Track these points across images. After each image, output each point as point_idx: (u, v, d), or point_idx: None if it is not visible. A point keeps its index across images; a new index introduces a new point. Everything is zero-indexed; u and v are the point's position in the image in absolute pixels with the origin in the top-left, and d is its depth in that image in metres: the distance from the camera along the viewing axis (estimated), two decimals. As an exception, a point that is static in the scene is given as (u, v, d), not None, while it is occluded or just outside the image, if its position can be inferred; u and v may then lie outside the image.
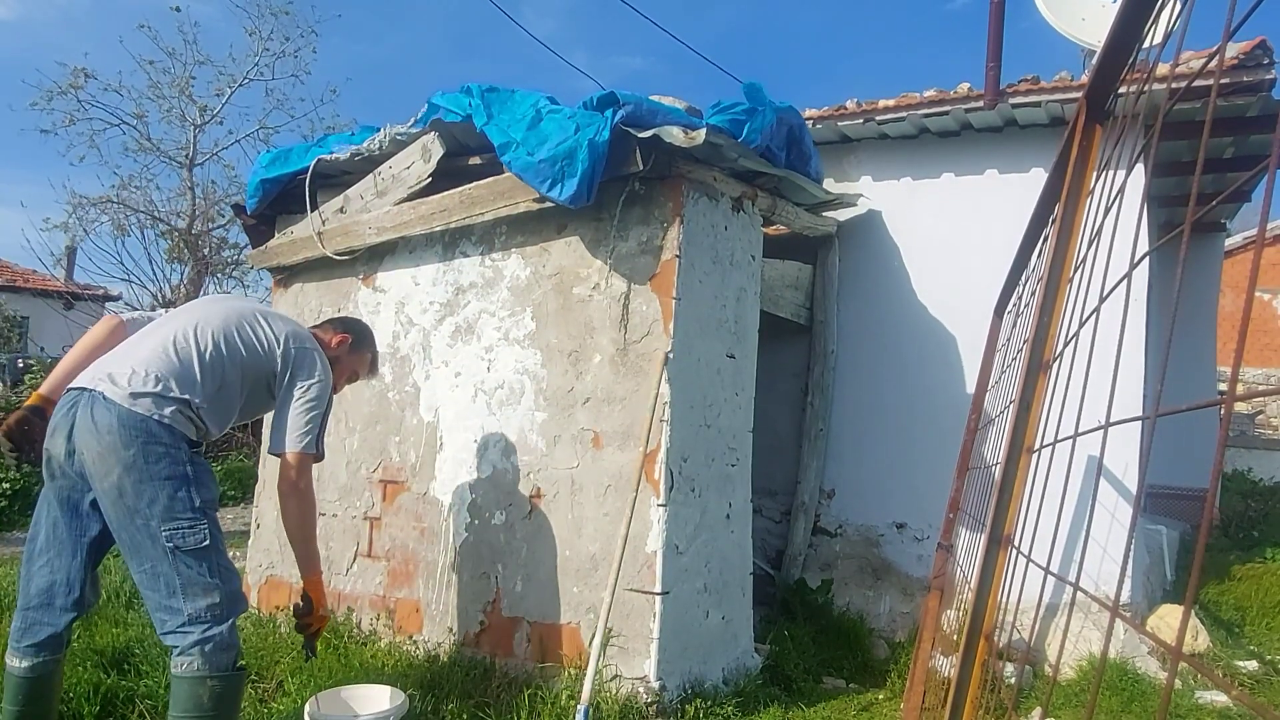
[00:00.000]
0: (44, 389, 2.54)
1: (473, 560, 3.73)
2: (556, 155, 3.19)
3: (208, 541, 2.32)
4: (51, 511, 2.44)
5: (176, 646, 2.28)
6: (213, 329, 2.54)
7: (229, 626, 2.33)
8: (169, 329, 2.52)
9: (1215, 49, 0.86)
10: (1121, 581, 1.02)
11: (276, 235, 4.70)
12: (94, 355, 2.54)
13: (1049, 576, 1.21)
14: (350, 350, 3.00)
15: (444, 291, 4.03)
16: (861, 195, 5.09)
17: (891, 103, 4.96)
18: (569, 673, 3.27)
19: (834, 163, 5.28)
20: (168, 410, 2.34)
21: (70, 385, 2.41)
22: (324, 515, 4.28)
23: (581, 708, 2.80)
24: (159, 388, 2.35)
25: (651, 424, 3.26)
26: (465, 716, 3.09)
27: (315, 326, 3.01)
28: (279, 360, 2.60)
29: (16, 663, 2.41)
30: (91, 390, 2.32)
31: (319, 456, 2.62)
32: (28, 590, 2.44)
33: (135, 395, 2.31)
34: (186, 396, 2.39)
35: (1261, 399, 12.01)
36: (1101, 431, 0.98)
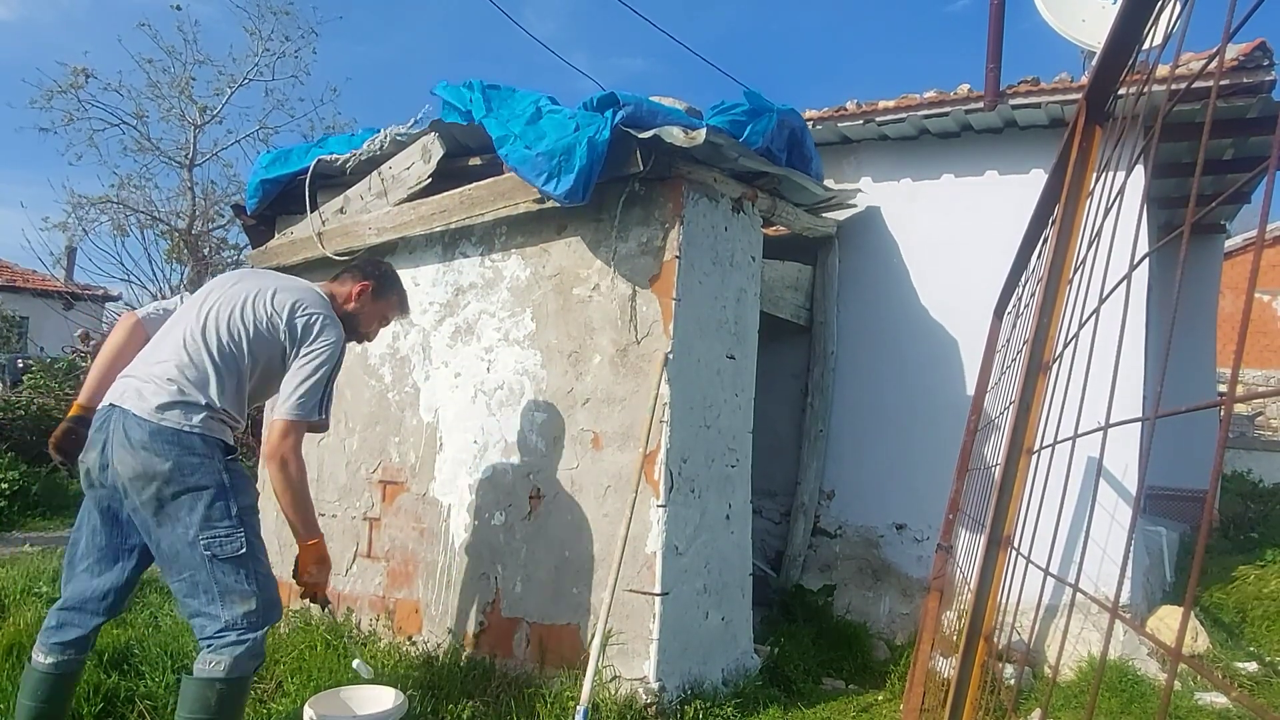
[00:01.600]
0: (82, 398, 2.60)
1: (472, 561, 3.73)
2: (554, 150, 3.18)
3: (244, 549, 2.36)
4: (91, 519, 2.48)
5: (210, 644, 2.32)
6: (219, 322, 2.52)
7: (263, 635, 2.37)
8: (180, 330, 2.53)
9: (1215, 50, 0.86)
10: (1121, 583, 1.02)
11: (276, 236, 4.70)
12: (120, 359, 2.59)
13: (1048, 577, 1.21)
14: (374, 297, 2.91)
15: (444, 292, 4.03)
16: (860, 190, 5.09)
17: (891, 104, 4.96)
18: (568, 673, 3.27)
19: (834, 164, 5.28)
20: (197, 419, 2.37)
21: (103, 401, 2.46)
22: (323, 516, 4.28)
23: (581, 708, 2.80)
24: (183, 397, 2.37)
25: (651, 425, 3.26)
26: (464, 717, 3.09)
27: (334, 280, 2.94)
28: (285, 336, 2.56)
29: (42, 658, 2.44)
30: (122, 408, 2.36)
31: (321, 425, 2.59)
32: (65, 590, 2.49)
33: (162, 408, 2.34)
34: (209, 400, 2.42)
35: (1261, 400, 12.02)
36: (1101, 433, 0.98)
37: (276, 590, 2.48)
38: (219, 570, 2.32)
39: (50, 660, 2.43)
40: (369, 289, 2.89)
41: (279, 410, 2.50)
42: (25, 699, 2.43)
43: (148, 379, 2.40)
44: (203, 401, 2.40)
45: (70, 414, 2.61)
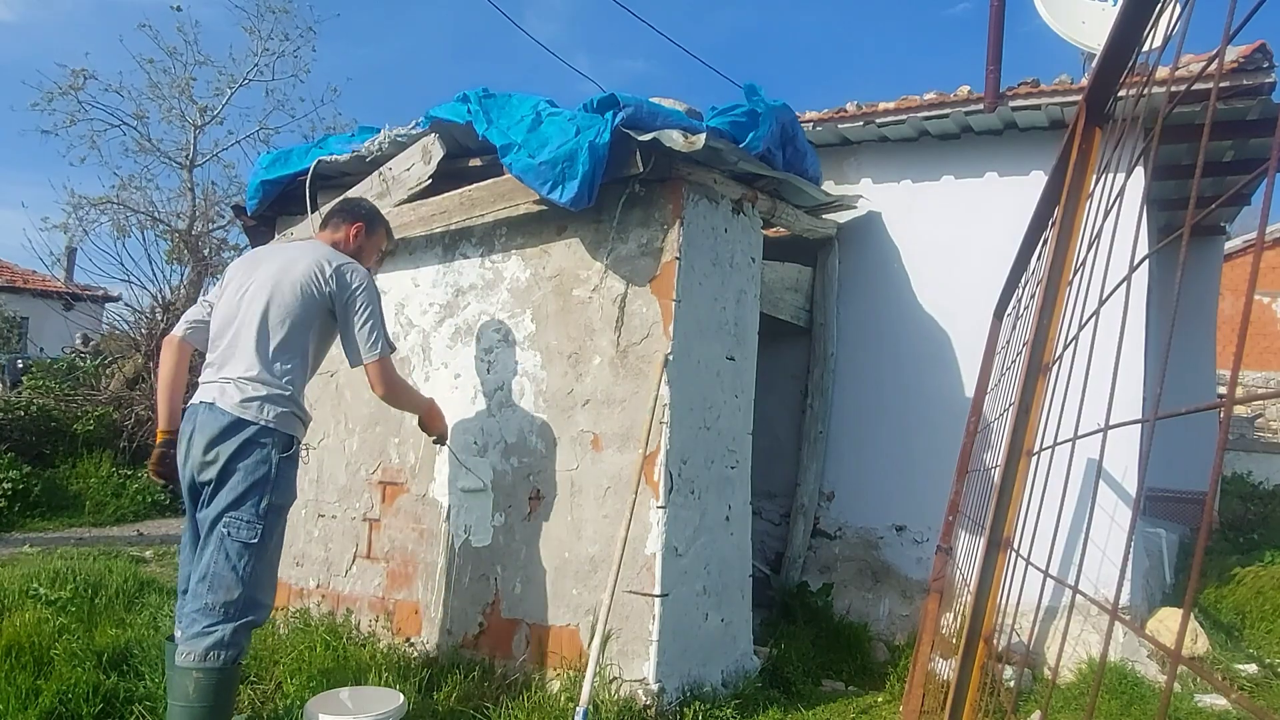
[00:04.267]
0: (162, 424, 2.87)
1: (472, 562, 3.72)
2: (557, 158, 3.19)
3: (256, 540, 2.57)
4: (189, 508, 2.75)
5: (186, 633, 2.53)
6: (268, 313, 2.73)
7: (236, 627, 2.52)
8: (238, 329, 2.75)
9: (1215, 52, 0.86)
10: (1121, 584, 1.02)
11: (277, 236, 4.69)
12: (178, 377, 2.88)
13: (1048, 579, 1.21)
14: (367, 235, 3.14)
15: (444, 293, 4.03)
16: (861, 197, 5.09)
17: (891, 105, 4.96)
18: (568, 675, 3.27)
19: (834, 165, 5.28)
20: (271, 414, 2.65)
21: (190, 403, 2.74)
22: (323, 516, 4.28)
23: (580, 710, 2.80)
24: (260, 392, 2.65)
25: (651, 426, 3.26)
26: (464, 719, 3.08)
27: (324, 229, 3.14)
28: (327, 296, 2.79)
29: (178, 633, 2.72)
30: (208, 403, 2.66)
31: (393, 348, 2.94)
32: (180, 574, 2.81)
33: (243, 403, 2.62)
34: (285, 393, 2.69)
35: (1261, 402, 12.02)
36: (1101, 434, 0.98)
37: (267, 595, 2.67)
38: (225, 551, 2.54)
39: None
40: (362, 228, 3.11)
41: (365, 357, 2.81)
42: (169, 669, 2.71)
43: (229, 380, 2.67)
44: (282, 394, 2.68)
45: (159, 440, 2.86)
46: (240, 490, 2.57)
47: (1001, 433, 2.04)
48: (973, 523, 3.08)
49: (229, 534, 2.55)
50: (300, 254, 2.87)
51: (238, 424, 2.60)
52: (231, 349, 2.72)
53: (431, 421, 3.28)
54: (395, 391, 2.95)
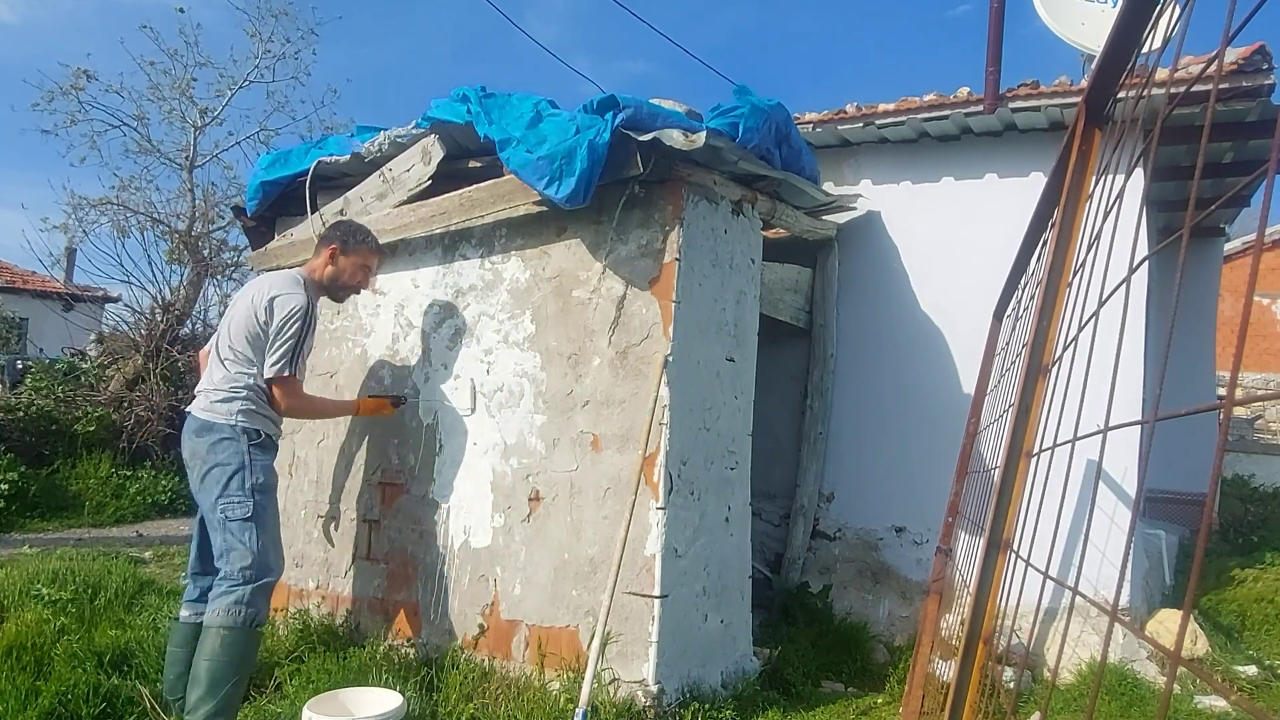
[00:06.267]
0: None
1: (471, 563, 3.72)
2: (555, 154, 3.18)
3: (250, 514, 2.97)
4: (195, 501, 3.15)
5: (212, 598, 2.92)
6: (232, 335, 3.16)
7: (254, 589, 2.90)
8: (217, 348, 3.22)
9: (1214, 54, 0.86)
10: (1120, 586, 1.02)
11: (276, 237, 4.70)
12: None
13: (1048, 580, 1.21)
14: (344, 254, 3.40)
15: (443, 294, 4.03)
16: (860, 196, 5.09)
17: (891, 107, 4.97)
18: (567, 676, 3.26)
19: (833, 166, 5.29)
20: (236, 414, 3.07)
21: None
22: (322, 518, 4.28)
23: (580, 711, 2.80)
24: (223, 396, 3.09)
25: (651, 427, 3.26)
26: None
27: (313, 255, 3.45)
28: (264, 323, 3.14)
29: (186, 614, 3.16)
30: (189, 412, 3.16)
31: (294, 376, 3.19)
32: (190, 558, 3.27)
33: (208, 407, 3.09)
34: (245, 395, 3.09)
35: (1261, 404, 12.01)
36: (1100, 435, 0.98)
37: (276, 560, 3.05)
38: (229, 530, 2.95)
39: (189, 614, 3.14)
40: (336, 249, 3.38)
41: (266, 373, 3.14)
42: (174, 646, 3.11)
43: (204, 390, 3.16)
44: (240, 395, 3.09)
45: None
46: (224, 479, 2.99)
47: (1001, 433, 2.04)
48: (972, 524, 3.08)
49: (227, 516, 2.96)
50: (262, 285, 3.24)
51: (206, 425, 3.06)
52: (216, 361, 3.19)
53: (370, 410, 3.71)
54: (300, 409, 3.35)
